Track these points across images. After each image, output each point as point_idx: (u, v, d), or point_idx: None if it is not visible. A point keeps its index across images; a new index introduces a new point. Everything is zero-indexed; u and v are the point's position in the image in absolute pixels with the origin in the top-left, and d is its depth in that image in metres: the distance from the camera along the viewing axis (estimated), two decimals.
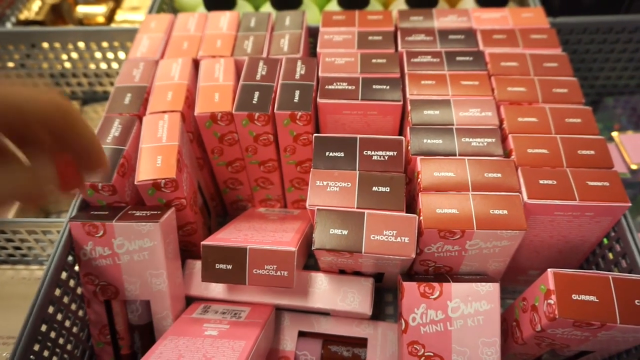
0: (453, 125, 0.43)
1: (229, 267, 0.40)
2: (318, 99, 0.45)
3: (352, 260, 0.39)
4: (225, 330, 0.40)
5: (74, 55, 0.68)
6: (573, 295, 0.33)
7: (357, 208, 0.38)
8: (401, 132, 0.48)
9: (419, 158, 0.40)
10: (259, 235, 0.44)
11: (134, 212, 0.41)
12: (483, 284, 0.38)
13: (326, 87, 0.45)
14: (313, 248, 0.37)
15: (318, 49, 0.50)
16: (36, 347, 0.37)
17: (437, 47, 0.50)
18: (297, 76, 0.47)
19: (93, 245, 0.40)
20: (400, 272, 0.42)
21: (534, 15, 0.53)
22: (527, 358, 0.42)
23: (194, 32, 0.53)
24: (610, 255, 0.42)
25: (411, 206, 0.42)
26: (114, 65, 0.69)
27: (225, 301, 0.45)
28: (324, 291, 0.44)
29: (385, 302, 0.52)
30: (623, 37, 0.62)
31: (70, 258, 0.42)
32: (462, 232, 0.37)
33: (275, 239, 0.42)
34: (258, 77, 0.47)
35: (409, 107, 0.44)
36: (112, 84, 0.72)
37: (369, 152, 0.41)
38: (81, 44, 0.66)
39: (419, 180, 0.40)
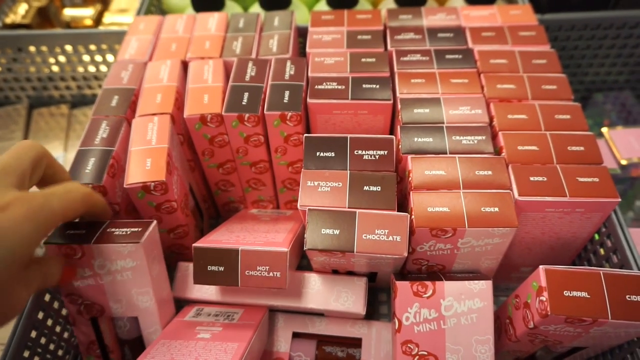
0: (443, 123, 0.43)
1: (221, 268, 0.40)
2: (308, 99, 0.45)
3: (345, 260, 0.39)
4: (218, 332, 0.40)
5: (62, 58, 0.67)
6: (565, 292, 0.33)
7: (348, 208, 0.38)
8: (392, 131, 0.48)
9: (409, 157, 0.40)
10: (251, 236, 0.44)
11: (113, 229, 0.38)
12: (476, 281, 0.38)
13: (316, 87, 0.45)
14: (305, 248, 0.37)
15: (307, 49, 0.50)
16: (26, 354, 0.37)
17: (426, 46, 0.50)
18: (287, 76, 0.46)
19: (78, 264, 0.38)
20: (393, 271, 0.42)
21: (522, 13, 0.53)
22: (520, 355, 0.42)
23: (182, 34, 0.53)
24: (602, 251, 0.42)
25: (402, 205, 0.42)
26: (103, 68, 0.69)
27: (217, 303, 0.45)
28: (317, 291, 0.44)
29: (379, 302, 0.52)
30: (611, 33, 0.62)
31: None
32: (453, 230, 0.37)
33: (267, 239, 0.42)
34: (247, 78, 0.46)
35: (399, 106, 0.44)
36: (100, 87, 0.72)
37: (360, 152, 0.41)
38: (69, 47, 0.66)
39: (410, 179, 0.39)
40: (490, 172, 0.39)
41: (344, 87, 0.45)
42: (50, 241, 0.37)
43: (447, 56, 0.48)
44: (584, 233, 0.42)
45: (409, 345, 0.37)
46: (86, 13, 0.79)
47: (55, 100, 0.75)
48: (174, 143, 0.45)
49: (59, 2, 0.82)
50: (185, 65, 0.50)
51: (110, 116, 0.45)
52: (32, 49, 0.66)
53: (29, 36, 0.65)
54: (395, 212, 0.38)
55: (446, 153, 0.41)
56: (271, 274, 0.39)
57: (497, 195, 0.38)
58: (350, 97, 0.44)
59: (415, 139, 0.42)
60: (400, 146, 0.42)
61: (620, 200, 0.38)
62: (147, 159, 0.41)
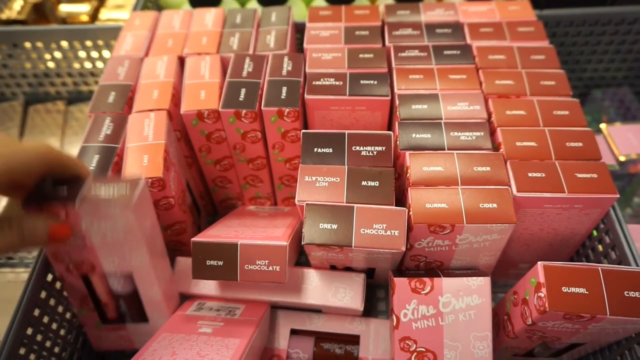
0: (441, 119, 0.43)
1: (220, 263, 0.39)
2: (305, 95, 0.44)
3: (343, 254, 0.39)
4: (219, 327, 0.40)
5: (58, 54, 0.67)
6: (563, 288, 0.33)
7: (346, 203, 0.38)
8: (390, 127, 0.48)
9: (407, 153, 0.40)
10: (249, 231, 0.43)
11: (98, 186, 0.35)
12: (474, 278, 0.38)
13: (313, 83, 0.45)
14: (303, 243, 0.37)
15: (305, 45, 0.50)
16: (22, 351, 0.37)
17: (424, 42, 0.50)
18: (284, 72, 0.46)
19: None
20: (391, 267, 0.42)
21: (520, 8, 0.53)
22: (519, 351, 0.42)
23: (179, 30, 0.52)
24: (600, 247, 0.42)
25: (400, 201, 0.42)
26: (99, 64, 0.68)
27: (215, 298, 0.45)
28: (315, 287, 0.43)
29: (377, 298, 0.52)
30: (609, 29, 0.62)
31: None
32: (452, 227, 0.37)
33: (266, 234, 0.42)
34: (244, 73, 0.46)
35: (397, 102, 0.44)
36: (97, 83, 0.71)
37: (358, 148, 0.41)
38: (64, 43, 0.65)
39: (408, 175, 0.39)
40: (488, 168, 0.39)
41: (341, 83, 0.45)
42: (28, 203, 0.33)
43: (446, 52, 0.48)
44: (583, 229, 0.42)
45: (407, 341, 0.37)
46: (82, 9, 0.79)
47: (51, 96, 0.74)
48: (171, 139, 0.44)
49: None
50: (182, 61, 0.50)
51: (112, 112, 0.45)
52: (27, 44, 0.66)
53: (25, 32, 0.65)
54: (394, 207, 0.38)
55: (444, 149, 0.41)
56: (270, 268, 0.39)
57: (496, 191, 0.38)
58: (348, 93, 0.44)
59: (414, 135, 0.41)
60: (398, 142, 0.41)
61: (618, 196, 0.38)
62: (144, 155, 0.41)
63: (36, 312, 0.39)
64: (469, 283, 0.37)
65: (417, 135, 0.41)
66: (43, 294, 0.39)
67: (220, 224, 0.47)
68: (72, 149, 0.68)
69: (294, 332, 0.46)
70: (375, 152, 0.41)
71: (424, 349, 0.37)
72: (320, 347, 0.45)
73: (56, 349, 0.41)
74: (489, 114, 0.43)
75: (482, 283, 0.38)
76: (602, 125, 0.60)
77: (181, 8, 0.66)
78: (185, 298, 0.46)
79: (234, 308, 0.43)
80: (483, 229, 0.37)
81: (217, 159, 0.49)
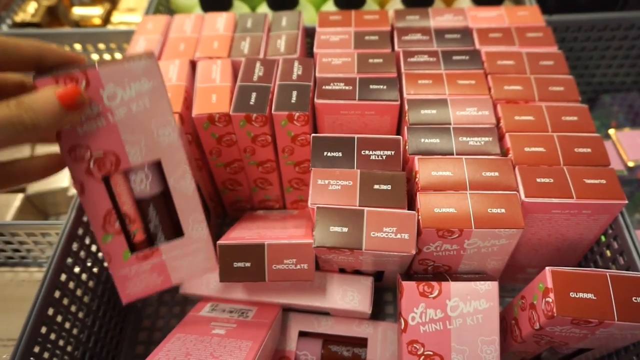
0: (450, 124, 0.43)
1: (248, 264, 0.40)
2: (315, 100, 0.45)
3: (353, 257, 0.39)
4: (232, 329, 0.40)
5: None
6: (571, 293, 0.33)
7: (359, 206, 0.39)
8: (399, 131, 0.48)
9: (416, 157, 0.41)
10: (270, 232, 0.44)
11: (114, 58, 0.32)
12: (482, 282, 0.38)
13: (323, 87, 0.45)
14: (314, 246, 0.37)
15: (315, 49, 0.50)
16: (36, 349, 0.38)
17: (433, 47, 0.50)
18: (295, 77, 0.47)
19: None
20: (400, 270, 0.43)
21: (529, 14, 0.53)
22: (526, 356, 0.42)
23: (190, 34, 0.53)
24: (608, 253, 0.42)
25: (409, 206, 0.42)
26: None
27: (225, 300, 0.45)
28: (324, 290, 0.44)
29: (385, 302, 0.52)
30: (619, 34, 0.62)
31: (69, 260, 0.42)
32: (460, 231, 0.37)
33: (289, 234, 0.42)
34: (255, 78, 0.47)
35: (406, 107, 0.44)
36: None
37: (367, 152, 0.41)
38: (77, 46, 0.66)
39: (416, 179, 0.40)
40: (497, 174, 0.39)
41: (351, 87, 0.45)
42: (40, 76, 0.29)
43: (454, 57, 0.48)
44: (591, 235, 0.42)
45: (414, 345, 0.37)
46: (95, 12, 0.80)
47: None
48: (183, 142, 0.45)
49: (67, 1, 0.83)
50: (193, 64, 0.50)
51: None
52: None
53: (38, 35, 0.66)
54: (404, 210, 0.38)
55: (453, 154, 0.41)
56: (299, 267, 0.39)
57: (504, 196, 0.38)
58: (357, 98, 0.44)
59: (422, 140, 0.42)
60: (407, 147, 0.42)
61: (627, 202, 0.38)
62: None
63: (50, 311, 0.39)
64: (477, 287, 0.38)
65: (426, 140, 0.42)
66: (57, 294, 0.40)
67: (238, 227, 0.47)
68: None
69: (302, 334, 0.46)
70: (384, 157, 0.41)
71: (431, 353, 0.37)
72: (328, 349, 0.45)
73: (69, 348, 0.42)
74: (498, 120, 0.44)
75: (490, 287, 0.38)
76: (611, 131, 0.60)
77: (193, 12, 0.67)
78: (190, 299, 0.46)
79: (247, 310, 0.43)
80: (491, 234, 0.37)
81: (227, 162, 0.50)
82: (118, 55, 0.67)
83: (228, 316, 0.42)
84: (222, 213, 0.60)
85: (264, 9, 0.64)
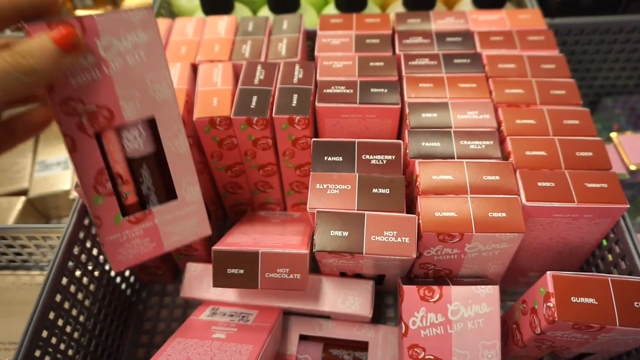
0: (451, 128, 0.43)
1: (241, 271, 0.40)
2: (316, 103, 0.45)
3: (353, 261, 0.39)
4: (233, 333, 0.40)
5: None
6: (572, 298, 0.33)
7: (357, 210, 0.39)
8: (399, 134, 0.48)
9: (417, 161, 0.41)
10: (266, 238, 0.44)
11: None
12: (483, 286, 0.38)
13: (324, 90, 0.46)
14: (314, 250, 0.37)
15: (316, 53, 0.50)
16: (37, 353, 0.38)
17: (434, 50, 0.50)
18: (295, 80, 0.47)
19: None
20: (401, 274, 0.43)
21: (531, 17, 0.53)
22: None
23: (192, 37, 0.53)
24: (610, 257, 0.42)
25: (410, 209, 0.42)
26: None
27: (225, 303, 0.45)
28: (325, 293, 0.44)
29: (385, 305, 0.52)
30: (621, 37, 0.62)
31: (70, 264, 0.42)
32: (461, 235, 0.37)
33: (284, 242, 0.42)
34: (256, 81, 0.47)
35: (407, 110, 0.44)
36: None
37: (368, 156, 0.41)
38: None
39: (417, 183, 0.40)
40: (497, 177, 0.39)
41: (352, 91, 0.45)
42: (32, 21, 0.27)
43: (456, 60, 0.48)
44: (592, 239, 0.42)
45: (415, 349, 0.37)
46: None
47: None
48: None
49: (70, 3, 0.83)
50: (194, 68, 0.50)
51: None
52: None
53: None
54: (404, 214, 0.38)
55: (454, 158, 0.41)
56: (291, 276, 0.39)
57: (505, 200, 0.38)
58: (358, 101, 0.44)
59: (423, 144, 0.42)
60: (407, 150, 0.42)
61: (628, 206, 0.38)
62: None
63: (51, 315, 0.39)
64: (478, 291, 0.38)
65: (427, 144, 0.42)
66: (58, 297, 0.40)
67: (236, 231, 0.48)
68: None
69: (303, 337, 0.46)
70: (384, 161, 0.41)
71: (432, 357, 0.37)
72: (329, 353, 0.45)
73: (70, 352, 0.42)
74: (499, 123, 0.44)
75: (491, 292, 0.38)
76: (613, 134, 0.60)
77: (194, 15, 0.67)
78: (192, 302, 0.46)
79: (247, 314, 0.43)
80: (492, 238, 0.37)
81: (228, 165, 0.50)
82: None
83: (229, 320, 0.42)
84: (223, 216, 0.60)
85: (265, 11, 0.64)
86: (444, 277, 0.42)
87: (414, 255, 0.36)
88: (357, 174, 0.40)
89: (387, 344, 0.45)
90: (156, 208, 0.35)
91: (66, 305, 0.42)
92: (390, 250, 0.37)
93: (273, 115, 0.44)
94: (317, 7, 0.68)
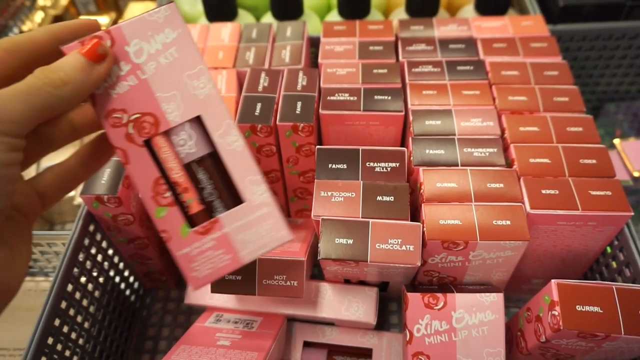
0: (455, 135, 0.43)
1: (239, 277, 0.40)
2: (320, 110, 0.45)
3: (358, 269, 0.39)
4: (237, 340, 0.40)
5: None
6: (577, 306, 0.33)
7: (362, 218, 0.39)
8: (403, 141, 0.49)
9: (421, 169, 0.41)
10: None
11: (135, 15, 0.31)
12: (487, 294, 0.38)
13: (328, 98, 0.46)
14: (319, 258, 0.37)
15: (319, 60, 0.51)
16: None
17: (437, 57, 0.50)
18: (299, 87, 0.47)
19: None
20: (405, 281, 0.43)
21: (533, 24, 0.53)
22: None
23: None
24: (614, 264, 0.42)
25: (414, 217, 0.42)
26: None
27: (229, 310, 0.45)
28: (329, 300, 0.44)
29: (389, 311, 0.52)
30: (623, 43, 0.62)
31: (75, 270, 0.42)
32: (465, 243, 0.37)
33: (283, 248, 0.42)
34: (260, 88, 0.47)
35: (411, 118, 0.44)
36: None
37: (372, 164, 0.41)
38: None
39: (421, 191, 0.40)
40: (502, 185, 0.39)
41: (355, 98, 0.45)
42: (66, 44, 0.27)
43: (459, 67, 0.49)
44: (596, 246, 0.42)
45: (420, 356, 0.37)
46: (101, 21, 0.80)
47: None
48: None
49: (74, 10, 0.84)
50: None
51: None
52: None
53: None
54: (409, 222, 0.38)
55: (458, 165, 0.41)
56: (288, 283, 0.39)
57: (509, 208, 0.38)
58: (362, 109, 0.45)
59: (427, 151, 0.42)
60: (411, 158, 0.42)
61: (632, 214, 0.38)
62: None
63: (57, 322, 0.39)
64: (482, 299, 0.38)
65: (431, 151, 0.42)
66: (63, 304, 0.40)
67: None
68: None
69: (306, 344, 0.46)
70: (389, 169, 0.41)
71: None
72: (333, 359, 0.45)
73: (75, 358, 0.42)
74: (502, 130, 0.44)
75: (495, 299, 0.38)
76: (616, 141, 0.60)
77: (198, 22, 0.68)
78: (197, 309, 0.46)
79: (252, 321, 0.43)
80: (496, 246, 0.37)
81: None
82: None
83: (233, 327, 0.42)
84: None
85: (268, 18, 0.64)
86: (448, 284, 0.43)
87: (419, 263, 0.36)
88: (362, 182, 0.40)
89: (391, 350, 0.45)
90: (223, 215, 0.31)
91: (71, 312, 0.42)
92: (394, 258, 0.37)
93: (277, 122, 0.44)
94: (320, 14, 0.68)
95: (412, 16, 0.61)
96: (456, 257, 0.39)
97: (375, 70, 0.48)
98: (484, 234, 0.37)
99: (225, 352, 0.38)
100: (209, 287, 0.46)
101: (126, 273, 0.52)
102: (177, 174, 0.31)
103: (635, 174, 0.57)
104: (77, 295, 0.43)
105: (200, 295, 0.46)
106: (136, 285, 0.54)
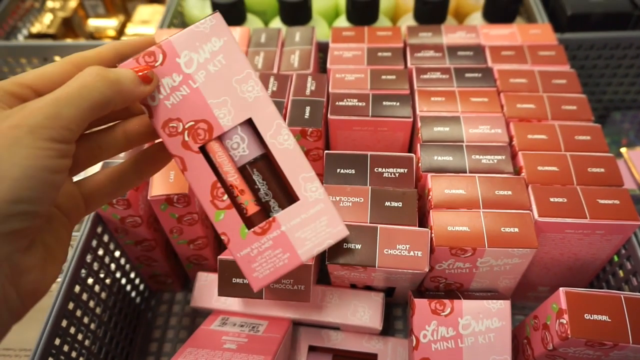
0: (463, 142, 0.43)
1: (246, 281, 0.40)
2: (329, 116, 0.45)
3: (365, 274, 0.39)
4: (243, 344, 0.40)
5: None
6: (585, 315, 0.33)
7: (370, 223, 0.39)
8: (411, 147, 0.49)
9: (429, 175, 0.41)
10: None
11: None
12: (494, 301, 0.38)
13: (336, 103, 0.46)
14: (326, 262, 0.37)
15: (328, 65, 0.51)
16: None
17: (446, 64, 0.50)
18: (308, 92, 0.47)
19: (162, 73, 0.30)
20: (411, 287, 0.43)
21: (541, 32, 0.53)
22: None
23: None
24: (621, 273, 0.42)
25: (421, 223, 0.42)
26: None
27: (235, 313, 0.45)
28: (335, 305, 0.44)
29: (394, 317, 0.52)
30: (630, 52, 0.62)
31: (83, 272, 0.42)
32: (473, 250, 0.37)
33: None
34: (269, 93, 0.47)
35: (419, 124, 0.45)
36: None
37: (380, 170, 0.42)
38: None
39: (429, 197, 0.40)
40: (510, 192, 0.39)
41: (364, 104, 0.46)
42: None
43: (467, 74, 0.49)
44: (603, 255, 0.42)
45: None
46: (110, 24, 0.81)
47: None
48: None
49: (83, 12, 0.84)
50: None
51: None
52: (57, 59, 0.68)
53: (55, 47, 0.67)
54: (417, 228, 0.38)
55: (466, 172, 0.41)
56: (295, 287, 0.39)
57: (517, 215, 0.38)
58: (370, 114, 0.45)
59: (435, 157, 0.42)
60: (420, 164, 0.42)
61: None
62: (170, 171, 0.42)
63: (64, 323, 0.40)
64: (489, 306, 0.38)
65: (439, 158, 0.42)
66: (71, 305, 0.40)
67: None
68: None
69: (312, 348, 0.46)
70: (397, 175, 0.41)
71: None
72: None
73: (81, 359, 0.42)
74: (511, 138, 0.44)
75: (502, 306, 0.38)
76: (623, 150, 0.60)
77: None
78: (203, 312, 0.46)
79: (258, 324, 0.43)
80: (504, 253, 0.37)
81: None
82: None
83: (239, 330, 0.42)
84: None
85: (276, 23, 0.64)
86: (454, 290, 0.43)
87: (427, 269, 0.36)
88: (370, 187, 0.41)
89: (396, 356, 0.45)
90: (279, 214, 0.32)
91: (78, 313, 0.42)
92: (402, 263, 0.37)
93: None
94: (328, 19, 0.68)
95: (420, 23, 0.61)
96: (463, 264, 0.39)
97: (383, 77, 0.49)
98: (492, 241, 0.37)
99: (231, 356, 0.38)
100: (215, 290, 0.46)
101: (132, 275, 0.52)
102: (233, 177, 0.32)
103: None
104: (84, 296, 0.43)
105: (206, 298, 0.46)
106: (142, 287, 0.54)
